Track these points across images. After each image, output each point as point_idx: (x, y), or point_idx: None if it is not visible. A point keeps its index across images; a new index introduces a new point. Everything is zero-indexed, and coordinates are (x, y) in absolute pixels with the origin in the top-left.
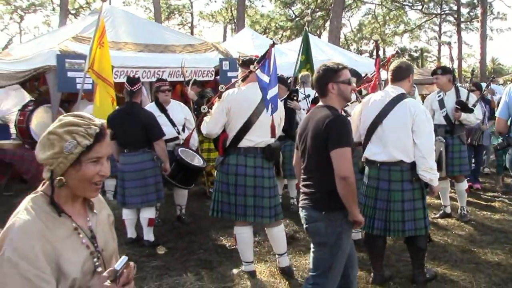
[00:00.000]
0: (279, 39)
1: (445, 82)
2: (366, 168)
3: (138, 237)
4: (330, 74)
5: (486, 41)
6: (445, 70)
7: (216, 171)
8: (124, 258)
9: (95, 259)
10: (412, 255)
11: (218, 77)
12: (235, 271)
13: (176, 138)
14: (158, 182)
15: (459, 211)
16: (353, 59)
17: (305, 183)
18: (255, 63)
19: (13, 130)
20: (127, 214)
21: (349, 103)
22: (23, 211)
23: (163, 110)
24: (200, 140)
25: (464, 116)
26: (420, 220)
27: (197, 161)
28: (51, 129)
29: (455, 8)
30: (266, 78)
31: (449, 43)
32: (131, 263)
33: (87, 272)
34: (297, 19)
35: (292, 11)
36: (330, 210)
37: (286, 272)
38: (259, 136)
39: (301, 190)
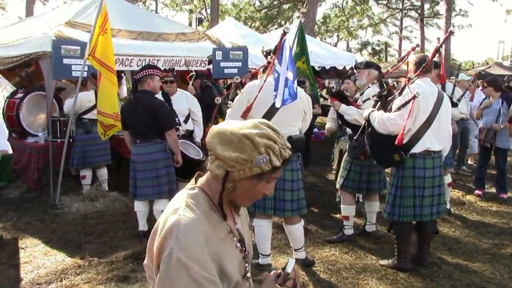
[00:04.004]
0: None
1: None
2: (419, 160)
3: (149, 230)
4: None
5: (450, 37)
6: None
7: None
8: (292, 261)
9: (246, 264)
10: (428, 239)
11: (211, 66)
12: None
13: (176, 129)
14: (170, 173)
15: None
16: (333, 52)
17: None
18: (271, 53)
19: None
20: (138, 206)
21: (371, 97)
22: (186, 208)
23: (168, 100)
24: (205, 129)
25: None
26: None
27: (196, 153)
28: (249, 133)
29: (416, 3)
30: (279, 69)
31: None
32: (295, 267)
33: (240, 276)
34: (265, 10)
35: (260, 1)
36: None
37: (302, 264)
38: (280, 128)
39: None
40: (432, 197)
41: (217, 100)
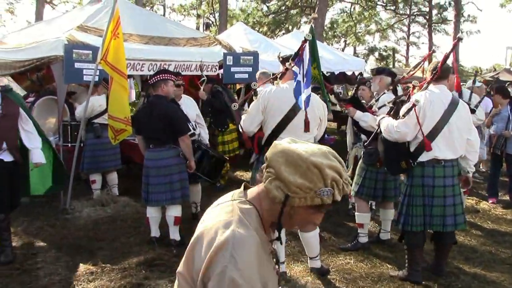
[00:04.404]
0: None
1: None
2: (428, 169)
3: (161, 236)
4: None
5: (459, 43)
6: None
7: (252, 169)
8: None
9: (279, 287)
10: (445, 250)
11: (222, 71)
12: None
13: (193, 134)
14: (183, 179)
15: None
16: (342, 58)
17: None
18: (290, 60)
19: None
20: (151, 212)
21: (387, 103)
22: (239, 223)
23: (176, 105)
24: (216, 134)
25: None
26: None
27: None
28: (319, 163)
29: (424, 9)
30: (299, 77)
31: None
32: None
33: None
34: (273, 15)
35: (267, 6)
36: None
37: (317, 273)
38: (295, 135)
39: None
40: (444, 207)
41: (234, 106)
